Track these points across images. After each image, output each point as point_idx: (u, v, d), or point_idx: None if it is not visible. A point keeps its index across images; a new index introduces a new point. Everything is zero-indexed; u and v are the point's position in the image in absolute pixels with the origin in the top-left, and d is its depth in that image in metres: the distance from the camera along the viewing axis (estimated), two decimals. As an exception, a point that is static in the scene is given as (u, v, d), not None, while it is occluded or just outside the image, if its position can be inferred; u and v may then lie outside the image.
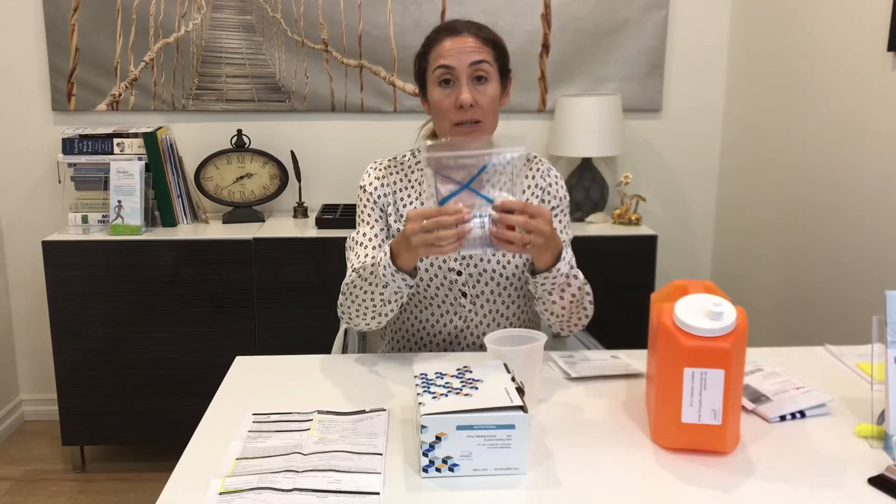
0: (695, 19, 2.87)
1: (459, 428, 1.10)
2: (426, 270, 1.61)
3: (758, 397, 1.34)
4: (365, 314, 1.53)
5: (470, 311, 1.64)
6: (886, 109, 1.99)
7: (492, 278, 1.63)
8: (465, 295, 1.63)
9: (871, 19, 2.04)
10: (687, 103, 2.93)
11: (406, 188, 1.66)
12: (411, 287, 1.47)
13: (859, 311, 2.12)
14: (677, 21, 2.86)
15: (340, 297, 1.60)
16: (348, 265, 1.64)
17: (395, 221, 1.65)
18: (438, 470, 1.12)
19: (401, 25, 2.80)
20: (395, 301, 1.50)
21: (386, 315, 1.54)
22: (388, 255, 1.43)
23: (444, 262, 1.61)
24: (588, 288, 1.61)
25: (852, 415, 1.32)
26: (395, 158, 1.70)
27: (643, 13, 2.82)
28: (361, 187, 1.68)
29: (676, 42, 2.88)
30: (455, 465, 1.11)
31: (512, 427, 1.10)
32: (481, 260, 1.62)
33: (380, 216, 1.65)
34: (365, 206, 1.67)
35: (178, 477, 1.14)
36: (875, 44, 2.03)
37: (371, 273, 1.47)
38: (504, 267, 1.62)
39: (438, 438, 1.10)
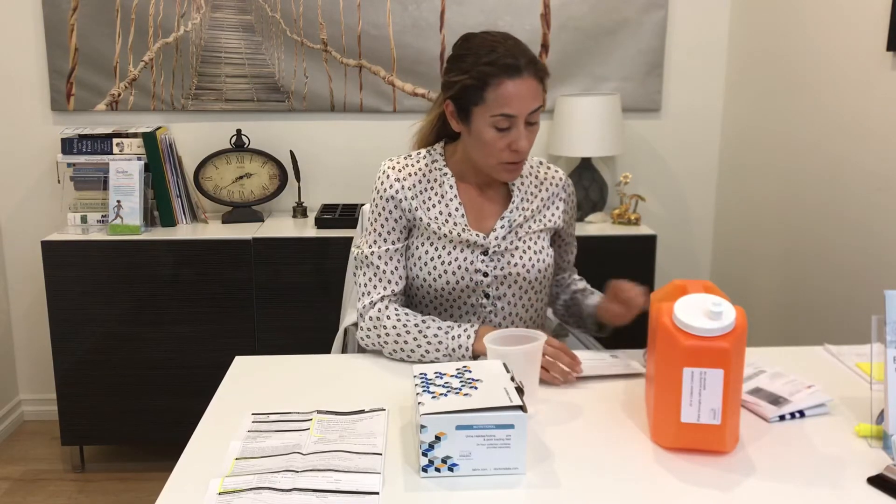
0: (694, 19, 2.87)
1: (459, 428, 1.10)
2: (453, 273, 1.60)
3: (775, 399, 1.34)
4: (408, 357, 1.56)
5: (490, 311, 1.64)
6: (886, 109, 2.00)
7: (515, 281, 1.63)
8: (487, 296, 1.63)
9: (870, 19, 2.04)
10: (686, 103, 2.93)
11: (428, 190, 1.62)
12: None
13: (858, 310, 2.12)
14: (676, 21, 2.86)
15: (369, 323, 1.58)
16: (365, 285, 1.61)
17: (429, 224, 1.60)
18: (438, 470, 1.12)
19: (400, 25, 2.80)
20: (442, 360, 1.54)
21: (423, 362, 1.56)
22: (472, 338, 1.50)
23: (472, 263, 1.60)
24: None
25: (851, 414, 1.32)
26: (410, 157, 1.66)
27: (642, 13, 2.82)
28: (379, 192, 1.62)
29: (676, 42, 2.88)
30: (454, 464, 1.11)
31: (511, 427, 1.10)
32: (508, 263, 1.62)
33: (394, 226, 1.61)
34: (381, 214, 1.61)
35: (177, 477, 1.14)
36: (874, 44, 2.03)
37: (435, 336, 1.52)
38: (528, 271, 1.63)
39: (438, 438, 1.10)
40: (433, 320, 1.55)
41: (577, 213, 1.79)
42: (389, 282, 1.60)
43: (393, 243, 1.61)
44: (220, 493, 1.07)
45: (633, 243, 2.64)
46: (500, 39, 1.51)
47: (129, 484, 2.63)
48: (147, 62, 2.80)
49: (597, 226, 2.71)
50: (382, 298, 1.59)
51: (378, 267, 1.61)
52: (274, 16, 2.79)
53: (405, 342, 1.54)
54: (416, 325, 1.54)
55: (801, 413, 1.31)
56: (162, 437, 2.64)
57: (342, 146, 2.91)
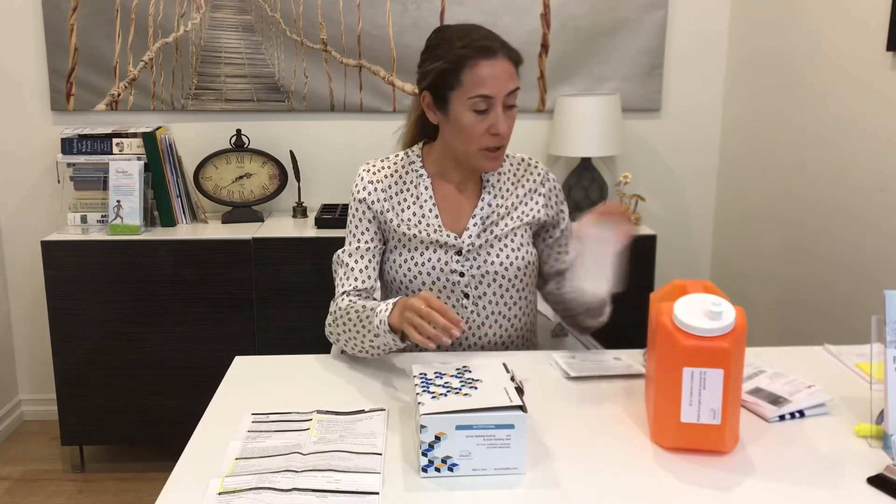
0: (694, 19, 2.87)
1: (459, 428, 1.10)
2: (428, 274, 1.61)
3: (775, 399, 1.34)
4: (353, 348, 1.53)
5: (472, 312, 1.63)
6: (886, 109, 2.00)
7: (493, 279, 1.63)
8: (466, 296, 1.63)
9: (870, 19, 2.04)
10: (686, 103, 2.93)
11: (403, 191, 1.64)
12: (401, 348, 1.46)
13: (858, 311, 2.12)
14: (676, 20, 2.86)
15: (329, 318, 1.59)
16: (337, 284, 1.63)
17: (399, 225, 1.62)
18: (438, 470, 1.12)
19: (400, 25, 2.80)
20: (384, 351, 1.48)
21: (373, 356, 1.53)
22: (389, 311, 1.41)
23: (447, 263, 1.60)
24: None
25: (851, 414, 1.32)
26: (387, 159, 1.68)
27: (642, 13, 2.82)
28: (353, 195, 1.64)
29: (675, 42, 2.88)
30: (454, 464, 1.11)
31: (511, 427, 1.10)
32: (484, 262, 1.62)
33: (367, 227, 1.63)
34: (354, 215, 1.64)
35: (177, 477, 1.14)
36: (874, 44, 2.03)
37: (367, 318, 1.46)
38: (507, 269, 1.63)
39: (438, 438, 1.10)
40: (373, 305, 1.48)
41: (567, 209, 1.74)
42: (356, 279, 1.61)
43: (364, 242, 1.63)
44: (219, 493, 1.07)
45: (632, 243, 2.63)
46: (472, 27, 1.55)
47: (129, 484, 2.63)
48: (147, 62, 2.80)
49: (597, 226, 2.71)
50: (345, 293, 1.60)
51: (347, 265, 1.62)
52: (274, 16, 2.79)
53: (346, 328, 1.51)
54: (356, 311, 1.49)
55: (801, 413, 1.31)
56: (162, 437, 2.64)
57: (342, 146, 2.91)
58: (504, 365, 1.25)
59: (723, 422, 1.15)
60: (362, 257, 1.62)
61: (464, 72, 1.50)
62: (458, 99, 1.52)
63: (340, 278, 1.63)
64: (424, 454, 1.11)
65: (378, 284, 1.68)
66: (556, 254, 1.73)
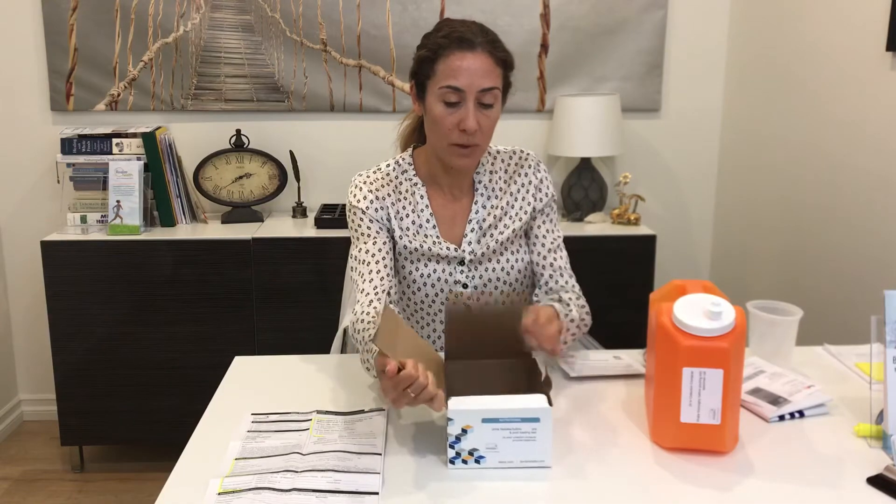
0: (694, 19, 2.87)
1: (485, 421, 1.12)
2: (432, 286, 1.58)
3: (775, 399, 1.34)
4: (363, 363, 1.44)
5: None
6: (885, 109, 2.00)
7: (496, 287, 1.61)
8: (470, 308, 1.60)
9: (869, 19, 2.05)
10: (686, 103, 2.93)
11: (399, 201, 1.59)
12: None
13: (858, 310, 2.12)
14: (676, 21, 2.86)
15: (352, 326, 1.48)
16: (355, 288, 1.54)
17: (400, 237, 1.58)
18: (465, 462, 1.13)
19: (399, 25, 2.80)
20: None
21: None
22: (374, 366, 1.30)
23: (451, 275, 1.58)
24: (584, 303, 1.59)
25: (851, 414, 1.32)
26: (379, 170, 1.62)
27: (642, 13, 2.82)
28: (353, 207, 1.59)
29: (675, 42, 2.88)
30: (481, 457, 1.13)
31: (537, 420, 1.11)
32: (486, 270, 1.60)
33: (380, 228, 1.57)
34: (361, 221, 1.58)
35: (177, 477, 1.14)
36: (874, 44, 2.03)
37: (368, 359, 1.37)
38: (508, 273, 1.61)
39: (464, 431, 1.12)
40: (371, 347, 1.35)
41: (553, 202, 1.66)
42: (381, 280, 1.52)
43: (379, 246, 1.55)
44: (219, 494, 1.07)
45: (632, 243, 2.64)
46: (469, 21, 1.51)
47: (129, 484, 2.63)
48: (146, 62, 2.80)
49: (596, 226, 2.71)
50: (370, 301, 1.51)
51: (366, 263, 1.54)
52: (273, 16, 2.79)
53: (363, 347, 1.41)
54: (365, 341, 1.40)
55: (801, 413, 1.31)
56: (162, 437, 2.64)
57: (342, 146, 2.91)
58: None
59: (722, 422, 1.15)
60: (379, 251, 1.55)
61: (439, 60, 1.47)
62: (431, 89, 1.49)
63: (359, 284, 1.54)
64: (451, 446, 1.13)
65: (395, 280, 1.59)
66: (531, 245, 1.65)
